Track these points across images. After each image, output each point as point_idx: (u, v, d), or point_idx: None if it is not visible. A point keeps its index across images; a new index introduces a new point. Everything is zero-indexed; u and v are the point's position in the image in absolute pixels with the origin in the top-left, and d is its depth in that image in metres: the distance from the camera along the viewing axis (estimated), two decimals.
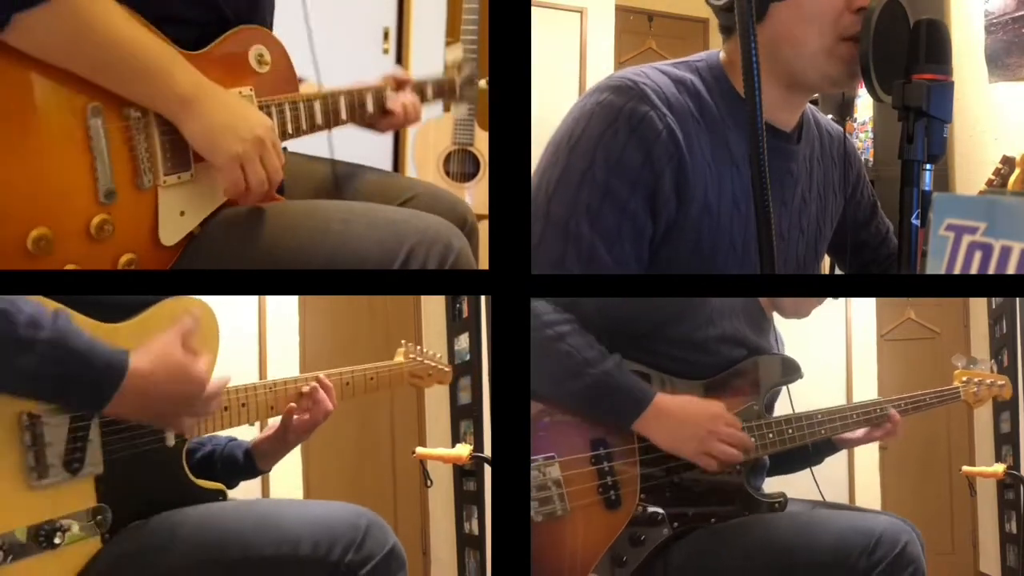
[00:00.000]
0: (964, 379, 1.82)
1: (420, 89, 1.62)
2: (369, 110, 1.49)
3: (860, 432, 1.58)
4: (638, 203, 1.19)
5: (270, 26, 1.36)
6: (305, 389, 1.36)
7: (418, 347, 1.66)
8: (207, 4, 1.23)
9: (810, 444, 1.61)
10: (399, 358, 1.62)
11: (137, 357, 1.03)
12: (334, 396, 1.39)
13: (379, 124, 1.56)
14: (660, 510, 1.29)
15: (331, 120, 1.40)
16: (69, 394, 1.00)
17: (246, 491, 1.40)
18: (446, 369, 1.70)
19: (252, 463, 1.39)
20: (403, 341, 1.65)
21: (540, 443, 1.27)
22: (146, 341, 1.08)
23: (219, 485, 1.20)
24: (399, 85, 1.56)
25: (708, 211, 1.24)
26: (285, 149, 1.52)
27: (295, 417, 1.35)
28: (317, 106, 1.37)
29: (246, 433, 1.42)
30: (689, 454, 1.30)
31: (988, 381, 1.82)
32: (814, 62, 1.23)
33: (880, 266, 1.55)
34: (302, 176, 1.51)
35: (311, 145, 1.54)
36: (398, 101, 1.54)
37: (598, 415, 1.30)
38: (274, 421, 1.39)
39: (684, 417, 1.30)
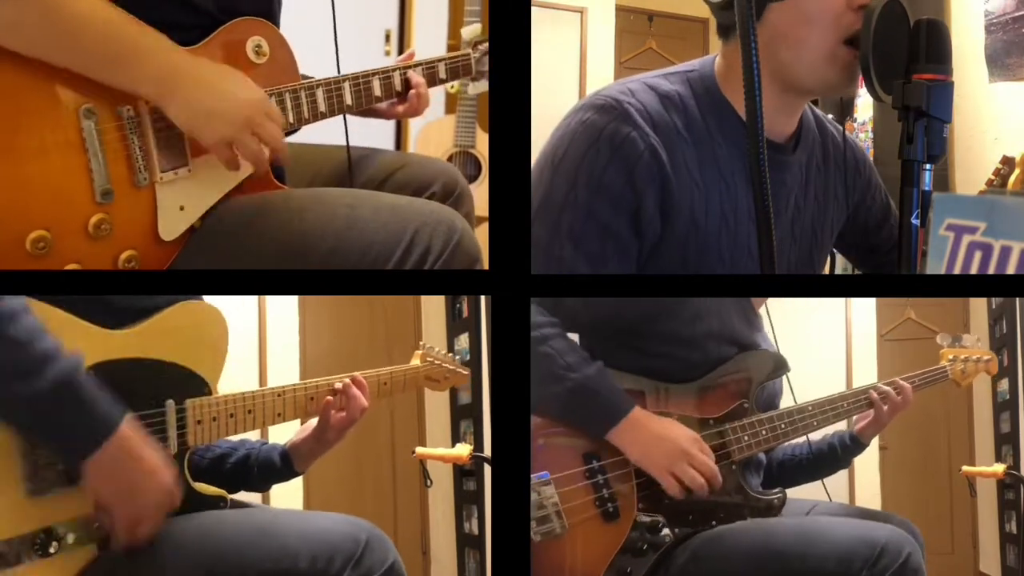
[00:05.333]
0: (950, 357, 1.79)
1: (431, 70, 1.55)
2: (377, 94, 1.45)
3: (872, 415, 1.57)
4: (621, 223, 1.19)
5: (277, 23, 1.36)
6: (338, 386, 1.34)
7: (435, 349, 1.63)
8: (202, 11, 1.23)
9: (838, 447, 1.64)
10: (415, 361, 1.59)
11: (127, 426, 1.02)
12: (368, 393, 1.37)
13: (387, 111, 1.53)
14: (659, 517, 1.29)
15: (335, 107, 1.38)
16: (55, 437, 0.99)
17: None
18: (463, 372, 1.68)
19: (289, 465, 1.37)
20: (421, 343, 1.63)
21: (533, 462, 1.26)
22: (159, 344, 1.09)
23: (220, 491, 1.19)
24: (406, 67, 1.51)
25: (695, 227, 1.23)
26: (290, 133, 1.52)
27: (333, 414, 1.34)
28: (320, 93, 1.35)
29: (280, 435, 1.41)
30: (656, 471, 1.28)
31: (974, 357, 1.79)
32: (813, 65, 1.22)
33: (892, 269, 1.55)
34: (314, 162, 1.51)
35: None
36: (412, 81, 1.50)
37: (575, 420, 1.30)
38: (306, 422, 1.38)
39: (660, 434, 1.29)
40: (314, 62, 1.49)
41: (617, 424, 1.28)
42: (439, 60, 1.56)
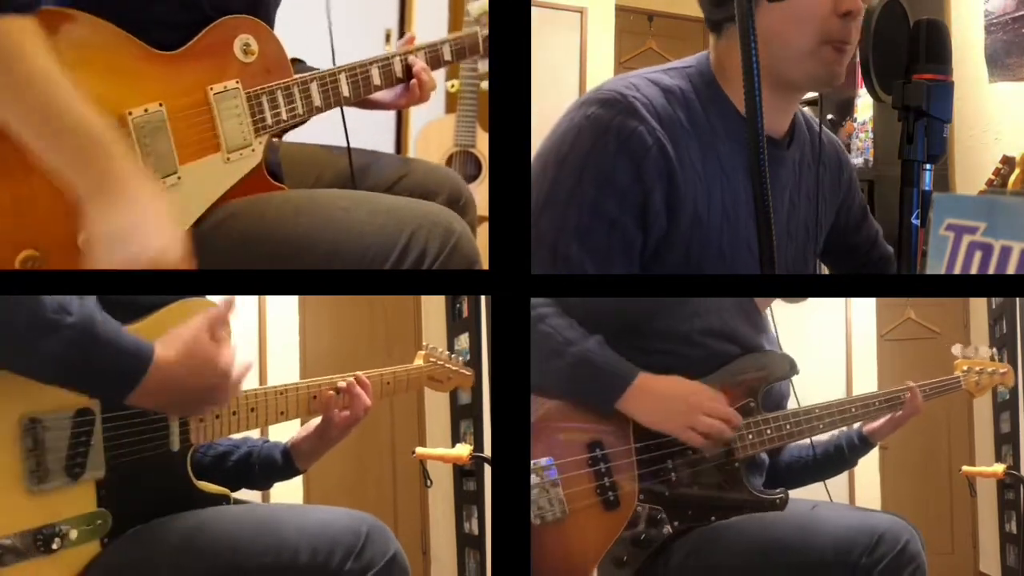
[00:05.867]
0: (965, 368, 1.79)
1: (434, 53, 1.51)
2: (376, 83, 1.43)
3: (884, 419, 1.58)
4: (628, 218, 1.19)
5: (271, 23, 1.35)
6: (342, 384, 1.35)
7: (439, 350, 1.63)
8: (193, 8, 1.22)
9: (846, 447, 1.63)
10: (419, 361, 1.59)
11: (162, 347, 1.02)
12: (371, 392, 1.38)
13: (391, 102, 1.51)
14: (660, 509, 1.29)
15: (332, 101, 1.36)
16: (93, 381, 1.00)
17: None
18: (467, 373, 1.68)
19: (291, 463, 1.37)
20: (424, 344, 1.63)
21: (536, 447, 1.27)
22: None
23: (223, 490, 1.19)
24: (407, 52, 1.47)
25: (698, 222, 1.24)
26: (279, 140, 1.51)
27: (336, 413, 1.34)
28: (314, 87, 1.33)
29: (281, 433, 1.41)
30: (674, 430, 1.30)
31: (989, 369, 1.79)
32: (798, 61, 1.24)
33: (869, 269, 1.55)
34: (316, 166, 1.50)
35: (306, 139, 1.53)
36: (413, 68, 1.46)
37: (581, 394, 1.30)
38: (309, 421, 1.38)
39: (667, 393, 1.30)
40: (313, 62, 1.49)
41: (624, 392, 1.28)
42: (443, 41, 1.52)
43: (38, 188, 1.08)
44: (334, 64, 1.40)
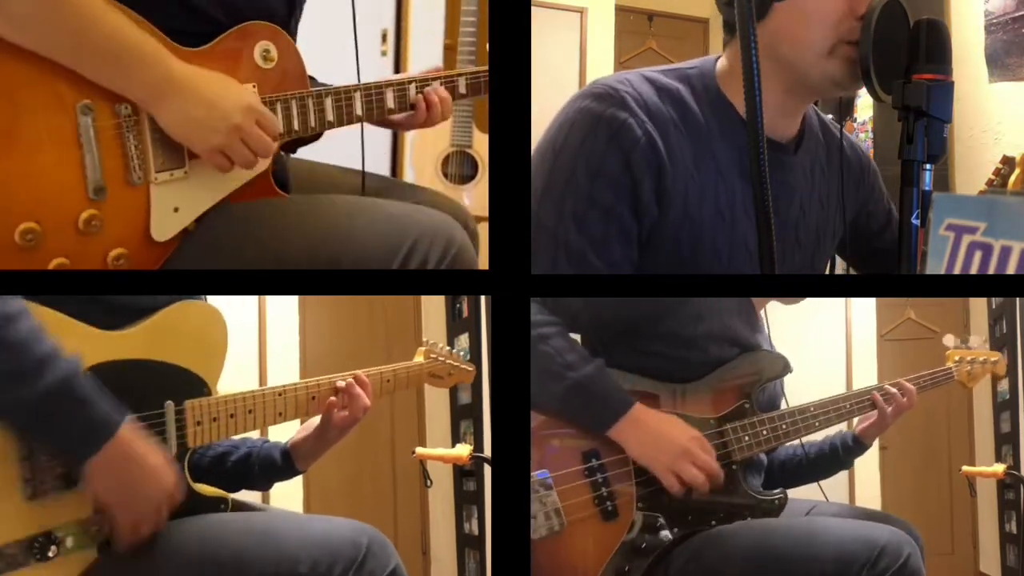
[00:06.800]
0: (956, 359, 1.78)
1: (451, 84, 1.49)
2: (389, 106, 1.42)
3: (875, 415, 1.57)
4: (623, 207, 1.20)
5: (292, 31, 1.35)
6: (341, 384, 1.34)
7: (439, 346, 1.62)
8: (210, 18, 1.22)
9: (840, 448, 1.62)
10: (419, 358, 1.58)
11: (127, 427, 1.02)
12: (371, 391, 1.37)
13: (402, 122, 1.50)
14: (659, 517, 1.29)
15: (344, 117, 1.36)
16: (56, 438, 0.99)
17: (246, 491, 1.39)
18: (468, 368, 1.67)
19: (290, 463, 1.37)
20: (425, 340, 1.62)
21: (533, 458, 1.26)
22: (158, 345, 1.10)
23: (222, 493, 1.19)
24: (423, 80, 1.46)
25: (689, 218, 1.24)
26: (292, 153, 1.51)
27: (335, 413, 1.33)
28: (328, 103, 1.34)
29: (281, 433, 1.41)
30: (657, 468, 1.29)
31: (981, 358, 1.78)
32: (815, 62, 1.22)
33: (895, 271, 1.54)
34: (329, 186, 1.50)
35: (315, 152, 1.53)
36: (430, 95, 1.45)
37: (576, 418, 1.30)
38: (309, 421, 1.37)
39: (661, 431, 1.30)
40: (311, 63, 1.49)
41: (617, 422, 1.28)
42: (459, 75, 1.50)
43: (45, 162, 1.09)
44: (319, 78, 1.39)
